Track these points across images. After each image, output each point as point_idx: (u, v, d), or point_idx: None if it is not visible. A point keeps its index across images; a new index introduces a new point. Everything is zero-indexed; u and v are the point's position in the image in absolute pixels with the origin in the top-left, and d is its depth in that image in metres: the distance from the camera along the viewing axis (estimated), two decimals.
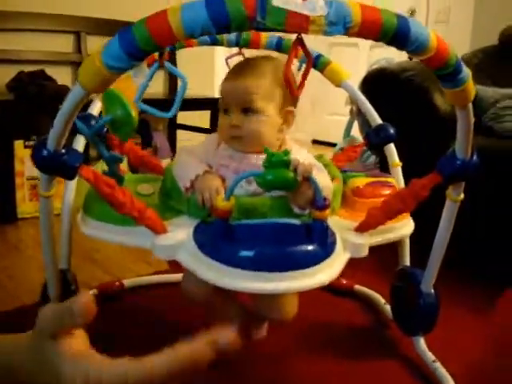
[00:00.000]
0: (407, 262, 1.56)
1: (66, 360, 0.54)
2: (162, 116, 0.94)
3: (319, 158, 1.39)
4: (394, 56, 2.88)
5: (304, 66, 1.24)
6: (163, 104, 3.12)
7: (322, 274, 0.99)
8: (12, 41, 2.83)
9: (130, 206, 1.01)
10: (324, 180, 1.10)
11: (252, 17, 0.71)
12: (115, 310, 1.66)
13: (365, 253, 1.11)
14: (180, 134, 3.54)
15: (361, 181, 1.33)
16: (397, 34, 0.78)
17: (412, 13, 4.54)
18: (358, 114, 2.38)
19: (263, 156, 1.15)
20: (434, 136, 2.05)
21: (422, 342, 1.45)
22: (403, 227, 1.26)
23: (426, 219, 1.36)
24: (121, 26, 2.61)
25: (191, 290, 1.24)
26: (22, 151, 2.56)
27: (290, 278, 0.96)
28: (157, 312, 1.66)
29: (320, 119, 5.45)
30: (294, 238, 1.02)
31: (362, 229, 1.14)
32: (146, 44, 0.74)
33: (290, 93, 0.88)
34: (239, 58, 1.38)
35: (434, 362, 1.38)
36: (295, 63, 1.32)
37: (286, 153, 0.99)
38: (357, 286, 1.81)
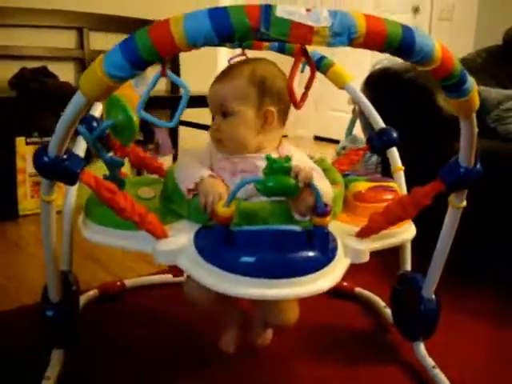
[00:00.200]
0: (408, 266, 1.55)
1: None
2: (163, 126, 0.93)
3: (321, 161, 1.38)
4: None
5: (306, 68, 1.25)
6: (165, 102, 3.12)
7: (322, 280, 0.99)
8: (14, 37, 2.83)
9: (130, 211, 1.01)
10: (324, 186, 1.10)
11: (256, 28, 0.70)
12: (116, 310, 1.67)
13: (366, 258, 1.10)
14: (182, 130, 3.53)
15: (362, 185, 1.32)
16: (402, 44, 0.77)
17: (416, 10, 4.52)
18: (361, 113, 2.37)
19: (258, 156, 1.16)
20: (437, 137, 2.04)
21: (422, 348, 1.44)
22: (405, 232, 1.25)
23: (428, 224, 1.35)
24: (123, 21, 2.62)
25: (193, 296, 1.24)
26: (23, 148, 2.56)
27: (290, 285, 0.96)
28: (158, 312, 1.65)
29: (322, 115, 5.44)
30: (294, 244, 1.01)
31: (363, 234, 1.13)
32: (149, 54, 0.73)
33: (293, 104, 0.88)
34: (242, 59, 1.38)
35: (433, 367, 1.38)
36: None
37: (288, 159, 0.98)
38: (357, 289, 1.81)
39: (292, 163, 0.98)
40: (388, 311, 1.63)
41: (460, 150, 1.06)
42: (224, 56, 3.84)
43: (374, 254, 1.12)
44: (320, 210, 0.99)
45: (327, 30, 0.72)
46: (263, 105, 1.18)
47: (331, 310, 1.73)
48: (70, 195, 1.36)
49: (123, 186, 1.20)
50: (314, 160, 1.36)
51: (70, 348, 1.36)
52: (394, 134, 1.47)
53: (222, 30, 0.70)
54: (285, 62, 1.26)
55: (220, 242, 0.98)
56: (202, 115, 3.03)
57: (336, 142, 4.03)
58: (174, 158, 3.39)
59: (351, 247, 1.09)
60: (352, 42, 0.75)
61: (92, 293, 1.68)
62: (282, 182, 0.97)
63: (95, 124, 1.24)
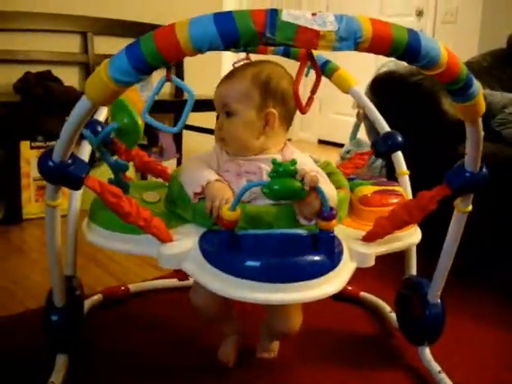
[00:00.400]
0: (414, 271, 1.55)
1: None
2: (168, 131, 0.93)
3: (326, 165, 1.38)
4: None
5: (311, 71, 1.24)
6: (169, 106, 3.12)
7: (328, 285, 0.99)
8: (19, 41, 2.83)
9: (135, 216, 1.01)
10: (329, 190, 1.10)
11: (261, 32, 0.70)
12: (121, 314, 1.66)
13: (371, 263, 1.10)
14: (186, 134, 3.53)
15: (368, 189, 1.32)
16: (408, 49, 0.77)
17: (420, 13, 4.51)
18: (366, 116, 2.37)
19: (263, 158, 1.16)
20: (442, 141, 2.04)
21: (427, 352, 1.44)
22: (410, 236, 1.24)
23: (434, 228, 1.35)
24: (127, 26, 2.62)
25: (200, 303, 1.25)
26: (28, 152, 2.56)
27: (296, 289, 0.96)
28: (162, 317, 1.65)
29: (326, 119, 5.44)
30: (300, 248, 1.01)
31: (369, 238, 1.13)
32: (154, 59, 0.73)
33: (299, 109, 0.88)
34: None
35: (439, 372, 1.37)
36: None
37: (293, 163, 0.98)
38: (362, 293, 1.80)
39: (297, 166, 0.98)
40: (393, 316, 1.62)
41: (466, 154, 1.06)
42: (228, 60, 3.85)
43: (379, 259, 1.12)
44: (326, 213, 0.99)
45: (333, 34, 0.72)
46: (265, 106, 1.18)
47: (336, 314, 1.72)
48: (74, 199, 1.36)
49: (128, 190, 1.20)
50: (318, 164, 1.35)
51: (75, 353, 1.36)
52: (399, 138, 1.47)
53: (228, 35, 0.70)
54: (290, 66, 1.26)
55: (225, 245, 0.98)
56: (207, 119, 3.05)
57: (340, 145, 4.03)
58: (179, 162, 3.39)
59: (357, 251, 1.09)
60: (358, 46, 0.75)
61: (96, 297, 1.67)
62: (288, 185, 0.96)
63: (100, 128, 1.24)
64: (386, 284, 1.77)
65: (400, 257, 1.53)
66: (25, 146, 2.55)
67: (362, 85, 1.59)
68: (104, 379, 1.35)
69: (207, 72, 3.53)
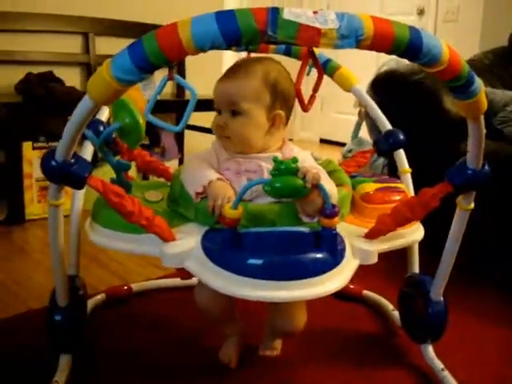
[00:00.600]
0: (416, 268, 1.55)
1: None
2: (171, 130, 0.93)
3: (328, 163, 1.38)
4: None
5: (313, 70, 1.25)
6: (171, 105, 3.12)
7: (331, 282, 0.99)
8: (20, 42, 2.83)
9: (138, 215, 1.01)
10: (331, 187, 1.10)
11: (263, 31, 0.70)
12: (124, 314, 1.66)
13: (374, 260, 1.10)
14: (188, 134, 3.53)
15: (370, 187, 1.32)
16: (409, 46, 0.77)
17: (421, 12, 4.51)
18: (367, 115, 2.37)
19: (263, 156, 1.16)
20: (443, 139, 2.04)
21: (430, 350, 1.44)
22: (413, 233, 1.24)
23: (437, 225, 1.35)
24: (129, 26, 2.62)
25: (203, 302, 1.25)
26: (30, 153, 2.56)
27: (299, 286, 0.96)
28: (165, 317, 1.65)
29: (328, 118, 5.44)
30: (302, 245, 1.01)
31: (371, 236, 1.13)
32: (156, 58, 0.74)
33: (301, 107, 0.88)
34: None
35: (442, 370, 1.37)
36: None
37: (295, 160, 0.98)
38: (365, 292, 1.80)
39: (299, 164, 0.98)
40: (396, 314, 1.62)
41: (468, 151, 1.06)
42: (229, 60, 3.85)
43: (381, 257, 1.12)
44: (328, 211, 0.99)
45: (334, 32, 0.73)
46: (274, 108, 1.17)
47: (339, 312, 1.72)
48: (77, 199, 1.36)
49: (130, 190, 1.20)
50: (320, 161, 1.36)
51: (78, 352, 1.36)
52: (401, 136, 1.47)
53: (230, 33, 0.71)
54: (291, 65, 1.26)
55: (227, 244, 0.98)
56: (208, 119, 3.05)
57: (342, 144, 4.03)
58: (180, 162, 3.39)
59: (359, 248, 1.09)
60: (359, 44, 0.75)
61: (99, 297, 1.67)
62: (289, 182, 0.96)
63: (102, 128, 1.24)
64: (388, 282, 1.77)
65: (402, 254, 1.53)
66: (27, 146, 2.56)
67: (363, 83, 1.59)
68: (107, 379, 1.35)
69: (208, 72, 3.52)
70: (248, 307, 1.37)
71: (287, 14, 0.71)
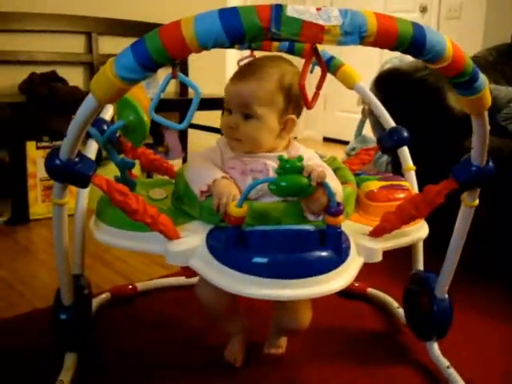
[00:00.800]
0: (421, 266, 1.55)
1: None
2: (175, 128, 0.93)
3: (332, 160, 1.38)
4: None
5: (316, 68, 1.24)
6: (174, 104, 3.12)
7: (336, 280, 0.99)
8: (23, 42, 2.83)
9: (142, 213, 1.01)
10: (336, 185, 1.09)
11: (267, 28, 0.70)
12: (128, 313, 1.67)
13: (379, 258, 1.10)
14: (191, 133, 3.53)
15: (375, 184, 1.31)
16: (413, 43, 0.77)
17: (423, 9, 4.50)
18: (371, 112, 2.36)
19: (269, 155, 1.16)
20: (447, 136, 2.04)
21: (435, 347, 1.43)
22: (418, 231, 1.24)
23: (441, 222, 1.35)
24: (132, 25, 2.61)
25: (205, 298, 1.24)
26: (34, 152, 2.57)
27: (304, 285, 0.96)
28: (170, 316, 1.66)
29: (331, 116, 5.43)
30: (307, 244, 1.01)
31: (376, 233, 1.13)
32: (160, 56, 0.74)
33: (305, 104, 0.87)
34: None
35: (448, 367, 1.37)
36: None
37: (300, 159, 0.98)
38: (370, 290, 1.80)
39: (304, 162, 0.98)
40: (401, 311, 1.62)
41: (472, 148, 1.06)
42: (233, 58, 3.85)
43: (386, 255, 1.11)
44: (333, 209, 0.99)
45: (338, 28, 0.72)
46: (287, 112, 1.17)
47: (343, 310, 1.72)
48: (81, 198, 1.36)
49: (134, 188, 1.20)
50: (325, 159, 1.35)
51: (83, 351, 1.36)
52: (405, 134, 1.46)
53: (233, 30, 0.70)
54: (291, 67, 1.25)
55: (232, 242, 0.98)
56: (211, 118, 3.05)
57: (345, 143, 4.02)
58: (184, 161, 3.39)
59: (364, 246, 1.09)
60: (363, 40, 0.75)
61: (104, 296, 1.68)
62: (295, 181, 0.96)
63: (105, 127, 1.24)
64: (393, 280, 1.77)
65: (407, 252, 1.53)
66: (31, 146, 2.57)
67: (366, 81, 1.59)
68: (112, 378, 1.35)
69: (212, 71, 3.53)
70: (253, 305, 1.37)
71: (291, 11, 0.71)
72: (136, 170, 1.32)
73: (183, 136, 3.52)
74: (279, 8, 0.71)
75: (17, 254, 2.18)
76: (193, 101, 0.86)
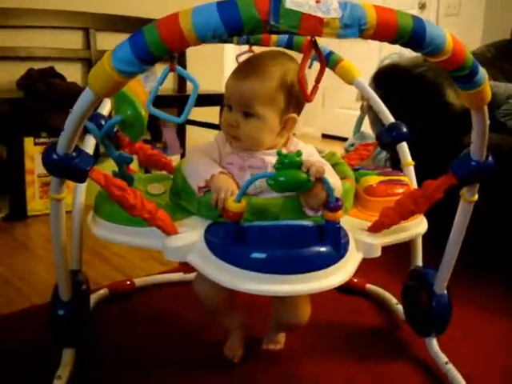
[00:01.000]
0: (419, 261, 1.55)
1: None
2: (173, 121, 0.93)
3: (331, 156, 1.38)
4: (406, 50, 2.85)
5: (315, 63, 1.24)
6: (172, 100, 3.11)
7: (335, 276, 0.99)
8: (21, 38, 2.83)
9: (140, 208, 1.00)
10: (335, 181, 1.09)
11: (265, 20, 0.69)
12: (126, 309, 1.66)
13: (378, 253, 1.10)
14: (189, 129, 3.53)
15: (373, 179, 1.31)
16: (413, 36, 0.76)
17: (422, 6, 4.50)
18: (370, 109, 2.36)
19: (268, 152, 1.15)
20: (446, 131, 2.04)
21: (434, 343, 1.43)
22: (417, 226, 1.24)
23: (440, 218, 1.34)
24: (130, 21, 2.61)
25: (202, 293, 1.24)
26: (31, 148, 2.56)
27: (302, 280, 0.96)
28: (168, 311, 1.65)
29: (330, 113, 5.43)
30: (306, 239, 1.01)
31: (375, 229, 1.12)
32: (157, 48, 0.73)
33: (304, 98, 0.87)
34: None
35: (446, 363, 1.37)
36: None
37: (299, 154, 0.97)
38: (368, 286, 1.80)
39: (303, 158, 0.97)
40: (400, 307, 1.62)
41: (471, 143, 1.05)
42: (231, 53, 3.84)
43: (385, 250, 1.11)
44: (332, 204, 0.99)
45: (337, 21, 0.72)
46: (288, 111, 1.16)
47: (342, 306, 1.72)
48: (79, 193, 1.35)
49: (132, 183, 1.20)
50: (323, 154, 1.35)
51: (81, 347, 1.36)
52: (404, 129, 1.46)
53: (231, 23, 0.70)
54: (292, 65, 1.24)
55: (231, 237, 0.97)
56: (210, 114, 3.05)
57: (344, 139, 4.02)
58: (182, 157, 3.38)
59: (363, 242, 1.09)
60: (362, 33, 0.74)
61: (102, 292, 1.67)
62: (293, 176, 0.96)
63: (103, 122, 1.24)
64: (392, 275, 1.77)
65: (406, 247, 1.52)
66: (29, 142, 2.55)
67: (365, 76, 1.58)
68: (110, 373, 1.35)
69: (209, 67, 3.52)
70: (251, 301, 1.37)
71: (289, 3, 0.70)
72: (134, 166, 1.31)
73: (181, 132, 3.52)
74: (278, 0, 0.70)
75: (15, 250, 2.17)
76: (191, 94, 0.85)
